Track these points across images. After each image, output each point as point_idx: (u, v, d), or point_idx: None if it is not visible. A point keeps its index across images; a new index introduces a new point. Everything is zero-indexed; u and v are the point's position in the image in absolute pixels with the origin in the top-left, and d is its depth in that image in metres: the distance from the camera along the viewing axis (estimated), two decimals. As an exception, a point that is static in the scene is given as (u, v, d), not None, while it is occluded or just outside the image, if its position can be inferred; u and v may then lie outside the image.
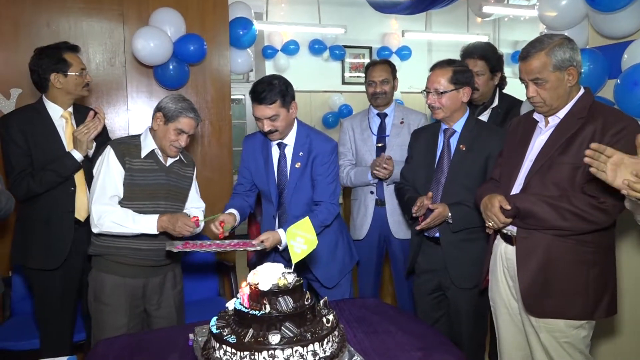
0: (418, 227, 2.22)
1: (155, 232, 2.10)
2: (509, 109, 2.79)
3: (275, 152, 2.34)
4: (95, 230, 2.12)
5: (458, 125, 2.29)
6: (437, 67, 2.28)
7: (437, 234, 2.28)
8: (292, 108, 2.25)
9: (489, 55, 2.73)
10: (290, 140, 2.33)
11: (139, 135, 2.26)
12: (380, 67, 2.93)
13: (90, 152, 2.42)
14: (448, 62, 2.28)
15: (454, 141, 2.29)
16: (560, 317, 1.80)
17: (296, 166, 2.31)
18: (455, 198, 2.19)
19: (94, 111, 2.43)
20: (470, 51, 2.83)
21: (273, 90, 2.18)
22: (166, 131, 2.16)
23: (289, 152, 2.33)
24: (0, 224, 2.78)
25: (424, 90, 2.30)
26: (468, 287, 2.20)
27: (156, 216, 2.11)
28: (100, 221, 2.09)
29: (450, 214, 2.17)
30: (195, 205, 2.35)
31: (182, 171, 2.30)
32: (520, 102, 2.88)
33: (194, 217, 2.13)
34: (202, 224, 2.21)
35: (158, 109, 2.19)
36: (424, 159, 2.35)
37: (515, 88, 3.55)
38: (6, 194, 2.04)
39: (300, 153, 2.31)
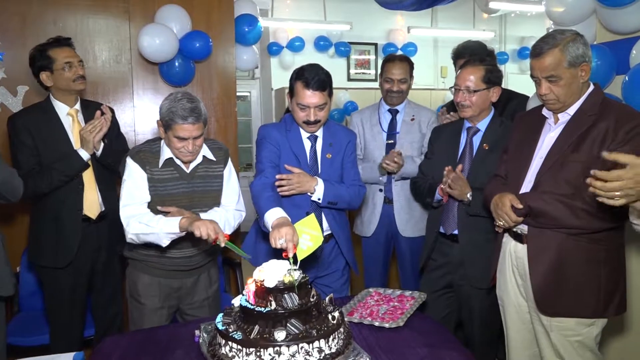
0: (441, 187, 2.21)
1: (176, 230, 1.94)
2: (507, 101, 2.80)
3: (307, 145, 2.27)
4: (127, 237, 2.01)
5: (482, 124, 2.28)
6: (468, 64, 2.24)
7: (455, 231, 2.27)
8: (331, 100, 2.22)
9: (478, 52, 2.73)
10: (319, 132, 2.28)
11: (159, 140, 2.12)
12: (400, 64, 2.85)
13: (98, 152, 2.41)
14: (480, 60, 2.25)
15: (477, 140, 2.28)
16: (573, 316, 1.79)
17: (327, 157, 2.27)
18: (478, 196, 2.17)
19: (100, 110, 2.42)
20: (461, 52, 2.83)
21: (323, 76, 2.11)
22: (169, 140, 2.01)
23: (319, 143, 2.29)
24: (9, 222, 2.80)
25: (452, 87, 2.28)
26: (484, 287, 2.18)
27: (179, 217, 1.96)
28: (129, 225, 1.98)
29: (470, 194, 2.16)
30: (226, 202, 2.21)
31: (210, 172, 2.16)
32: (517, 93, 2.90)
33: (227, 234, 1.90)
34: (223, 244, 1.88)
35: (159, 113, 2.02)
36: (445, 155, 2.33)
37: (520, 84, 3.52)
38: (9, 171, 2.04)
39: (330, 143, 2.28)
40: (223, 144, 2.29)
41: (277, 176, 2.14)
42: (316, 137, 2.28)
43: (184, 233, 1.94)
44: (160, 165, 2.06)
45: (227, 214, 2.19)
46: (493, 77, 2.22)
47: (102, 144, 2.40)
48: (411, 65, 2.91)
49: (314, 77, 2.09)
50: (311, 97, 2.10)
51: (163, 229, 1.94)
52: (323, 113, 2.17)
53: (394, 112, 2.94)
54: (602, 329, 1.84)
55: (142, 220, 1.97)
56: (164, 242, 1.97)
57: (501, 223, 1.89)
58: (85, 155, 2.33)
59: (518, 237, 1.91)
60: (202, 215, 2.12)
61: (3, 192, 2.02)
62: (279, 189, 2.14)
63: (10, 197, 2.07)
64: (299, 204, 2.22)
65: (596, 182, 1.37)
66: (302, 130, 2.26)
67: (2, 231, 2.17)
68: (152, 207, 2.06)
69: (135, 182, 2.04)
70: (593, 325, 1.80)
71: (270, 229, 1.84)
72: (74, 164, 2.33)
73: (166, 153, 2.06)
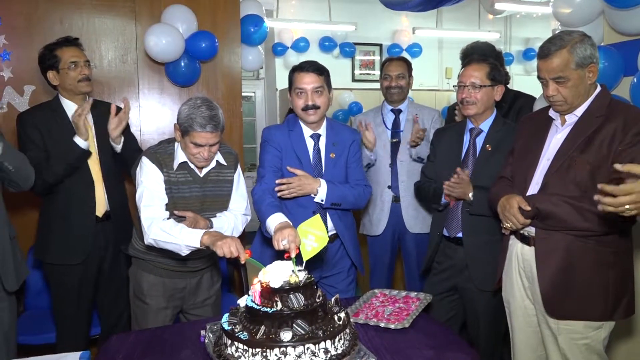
0: (444, 187, 2.20)
1: (197, 245, 1.89)
2: (513, 101, 2.80)
3: (310, 144, 2.28)
4: (146, 239, 1.97)
5: (485, 125, 2.27)
6: (473, 62, 2.25)
7: (460, 234, 2.26)
8: (330, 94, 2.25)
9: (487, 53, 2.75)
10: (322, 131, 2.30)
11: (173, 141, 2.11)
12: (397, 62, 2.98)
13: (118, 148, 2.42)
14: (484, 58, 2.26)
15: (480, 141, 2.27)
16: (581, 319, 1.78)
17: (331, 156, 2.28)
18: (480, 194, 2.16)
19: (117, 106, 2.42)
20: (469, 52, 2.86)
21: (318, 64, 2.21)
22: (185, 145, 2.01)
23: (322, 142, 2.30)
24: (17, 219, 2.79)
25: (456, 85, 2.28)
26: (489, 289, 2.17)
27: (203, 231, 1.91)
28: (150, 228, 1.94)
29: (472, 193, 2.15)
30: (234, 207, 2.21)
31: (221, 176, 2.16)
32: (522, 93, 2.90)
33: (248, 250, 1.81)
34: (244, 261, 1.81)
35: (177, 117, 2.02)
36: (448, 157, 2.32)
37: (525, 85, 3.50)
38: (22, 158, 2.07)
39: (334, 143, 2.29)
40: (232, 148, 2.30)
41: (277, 181, 2.16)
42: (319, 135, 2.28)
43: (203, 247, 1.90)
44: (175, 167, 2.06)
45: (235, 220, 2.20)
46: (497, 75, 2.22)
47: (122, 138, 2.41)
48: (409, 65, 3.00)
49: (308, 63, 2.20)
50: (307, 77, 2.16)
51: (184, 241, 1.89)
52: (322, 99, 2.19)
53: (397, 112, 2.99)
54: (610, 332, 1.82)
55: (164, 228, 1.93)
56: (184, 252, 1.93)
57: (508, 225, 1.88)
58: (81, 142, 2.31)
59: (525, 240, 1.90)
60: (212, 219, 2.13)
61: (16, 178, 2.03)
62: (279, 194, 2.15)
63: (22, 184, 2.09)
64: (304, 205, 2.23)
65: (605, 198, 1.33)
66: (304, 129, 2.27)
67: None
68: (167, 210, 2.05)
69: (154, 182, 2.03)
70: (601, 329, 1.79)
71: (273, 233, 1.87)
72: (72, 150, 2.31)
73: (180, 157, 2.06)
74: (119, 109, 2.43)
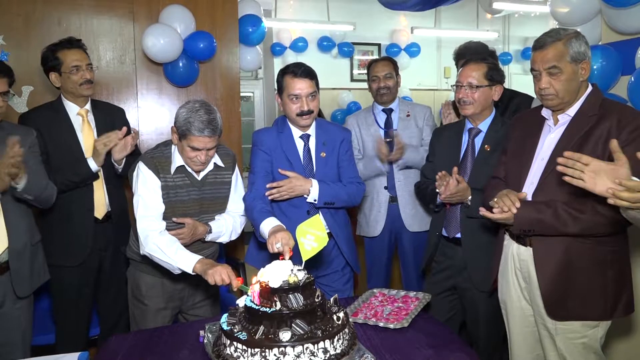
0: (441, 197, 2.17)
1: (190, 271, 1.90)
2: (509, 100, 2.81)
3: (299, 144, 2.28)
4: (142, 250, 1.99)
5: (484, 125, 2.27)
6: (471, 61, 2.25)
7: (458, 235, 2.26)
8: (318, 96, 2.26)
9: (479, 52, 2.75)
10: (312, 131, 2.30)
11: (170, 144, 2.09)
12: (383, 62, 2.98)
13: (120, 168, 2.43)
14: (482, 58, 2.26)
15: (478, 141, 2.27)
16: (582, 319, 1.77)
17: (321, 155, 2.28)
18: (477, 198, 2.16)
19: (126, 128, 2.40)
20: (462, 52, 2.87)
21: (309, 67, 2.19)
22: (182, 148, 1.99)
23: (312, 142, 2.29)
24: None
25: (454, 85, 2.28)
26: (488, 290, 2.16)
27: (197, 257, 1.92)
28: (146, 241, 1.96)
29: (470, 197, 2.14)
30: (232, 208, 2.23)
31: (219, 178, 2.16)
32: (518, 92, 2.90)
33: (240, 278, 1.80)
34: (236, 289, 1.79)
35: (174, 120, 2.00)
36: (447, 157, 2.32)
37: (523, 84, 3.50)
38: (43, 185, 2.10)
39: (324, 142, 2.29)
40: (230, 149, 2.30)
41: (268, 185, 2.17)
42: (309, 136, 2.29)
43: (195, 274, 1.91)
44: (172, 171, 2.05)
45: (234, 222, 2.21)
46: (495, 75, 2.22)
47: (123, 160, 2.41)
48: (394, 64, 3.01)
49: (300, 67, 2.17)
50: (301, 83, 2.15)
51: (177, 263, 1.91)
52: (315, 103, 2.19)
53: (388, 112, 3.00)
54: (606, 330, 1.82)
55: (160, 245, 1.93)
56: (176, 271, 1.95)
57: (500, 205, 1.77)
58: (94, 166, 2.34)
59: (520, 240, 1.89)
60: (211, 223, 2.14)
61: (35, 204, 2.11)
62: (270, 197, 2.16)
63: (41, 206, 2.16)
64: (297, 205, 2.23)
65: (622, 192, 1.33)
66: (294, 131, 2.27)
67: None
68: (165, 215, 2.05)
69: (150, 191, 2.02)
70: (598, 327, 1.79)
71: (267, 237, 1.89)
72: (82, 172, 2.33)
73: (177, 160, 2.05)
74: (128, 130, 2.41)
